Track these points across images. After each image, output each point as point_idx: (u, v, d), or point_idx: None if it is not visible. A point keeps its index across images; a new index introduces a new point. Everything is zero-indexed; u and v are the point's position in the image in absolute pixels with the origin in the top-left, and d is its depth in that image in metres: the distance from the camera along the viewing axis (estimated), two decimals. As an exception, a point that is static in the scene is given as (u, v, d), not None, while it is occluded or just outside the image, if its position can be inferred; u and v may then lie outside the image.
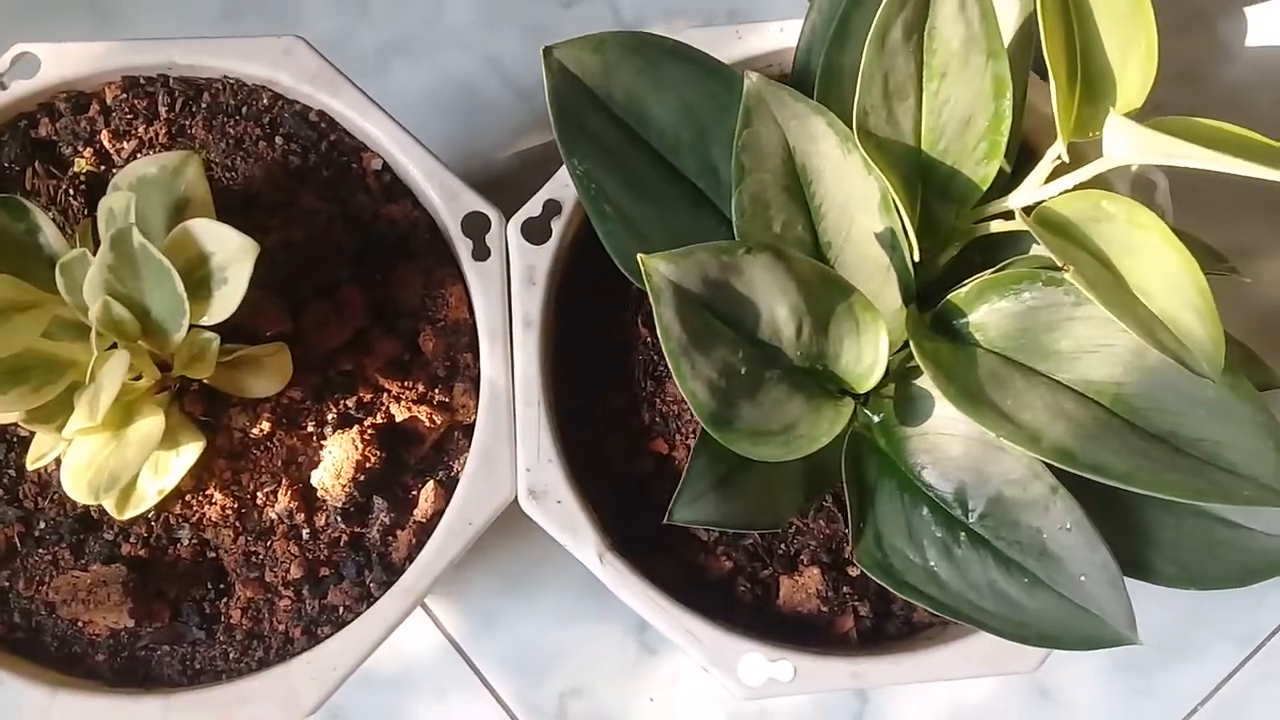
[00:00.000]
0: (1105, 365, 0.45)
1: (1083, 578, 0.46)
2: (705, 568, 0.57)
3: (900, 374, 0.50)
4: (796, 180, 0.47)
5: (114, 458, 0.46)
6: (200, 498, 0.54)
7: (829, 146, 0.46)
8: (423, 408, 0.56)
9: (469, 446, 0.54)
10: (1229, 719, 0.76)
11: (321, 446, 0.55)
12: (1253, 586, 0.76)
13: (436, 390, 0.56)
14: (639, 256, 0.40)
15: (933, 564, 0.48)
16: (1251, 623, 0.77)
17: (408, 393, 0.56)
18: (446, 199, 0.56)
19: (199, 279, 0.48)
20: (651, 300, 0.41)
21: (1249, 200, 0.81)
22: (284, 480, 0.54)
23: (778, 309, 0.44)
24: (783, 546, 0.58)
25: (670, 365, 0.41)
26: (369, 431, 0.54)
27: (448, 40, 0.82)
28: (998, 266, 0.48)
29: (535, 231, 0.56)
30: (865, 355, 0.47)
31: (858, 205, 0.47)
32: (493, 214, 0.56)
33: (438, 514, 0.55)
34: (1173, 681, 0.77)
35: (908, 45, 0.43)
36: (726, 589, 0.57)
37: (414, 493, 0.56)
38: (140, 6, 0.82)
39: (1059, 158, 0.45)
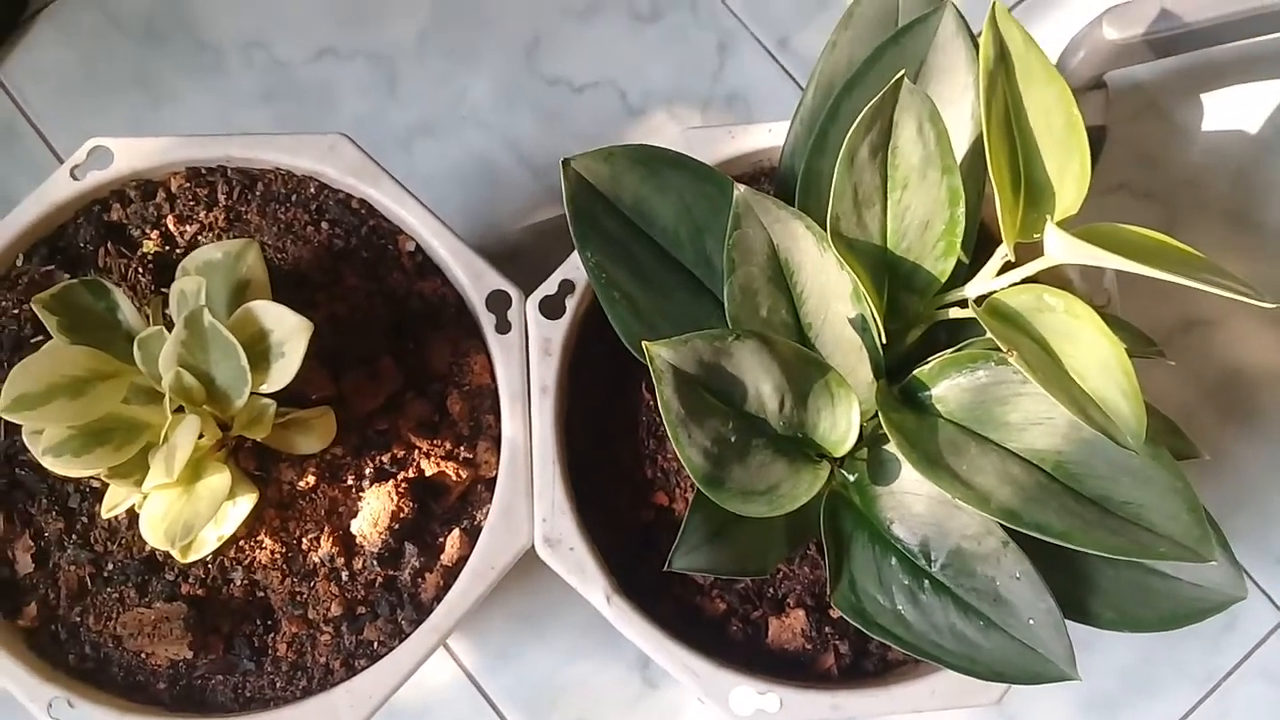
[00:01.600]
0: (1048, 436, 0.52)
1: (1030, 621, 0.53)
2: (701, 609, 0.64)
3: (873, 439, 0.57)
4: (780, 272, 0.54)
5: (187, 509, 0.53)
6: (252, 543, 0.61)
7: (808, 245, 0.53)
8: (449, 463, 0.62)
9: (490, 499, 0.61)
10: (1187, 754, 0.83)
11: (360, 498, 0.61)
12: (1209, 633, 0.83)
13: (462, 448, 0.63)
14: (644, 344, 0.47)
15: (900, 608, 0.54)
16: (1208, 665, 0.84)
17: (436, 450, 0.63)
18: (473, 278, 0.63)
19: (259, 352, 0.55)
20: (654, 381, 0.48)
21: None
22: (326, 528, 0.61)
23: (763, 386, 0.51)
24: (771, 590, 0.64)
25: (670, 434, 0.48)
26: (402, 485, 0.61)
27: (469, 121, 0.90)
28: (957, 347, 0.55)
29: (551, 307, 0.63)
30: (839, 424, 0.54)
31: (833, 294, 0.54)
32: (513, 292, 0.63)
33: (462, 559, 0.61)
34: (1137, 718, 0.83)
35: (874, 162, 0.51)
36: (720, 628, 0.64)
37: (441, 539, 0.62)
38: (187, 90, 0.90)
39: (1005, 257, 0.52)
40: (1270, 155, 0.91)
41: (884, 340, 0.54)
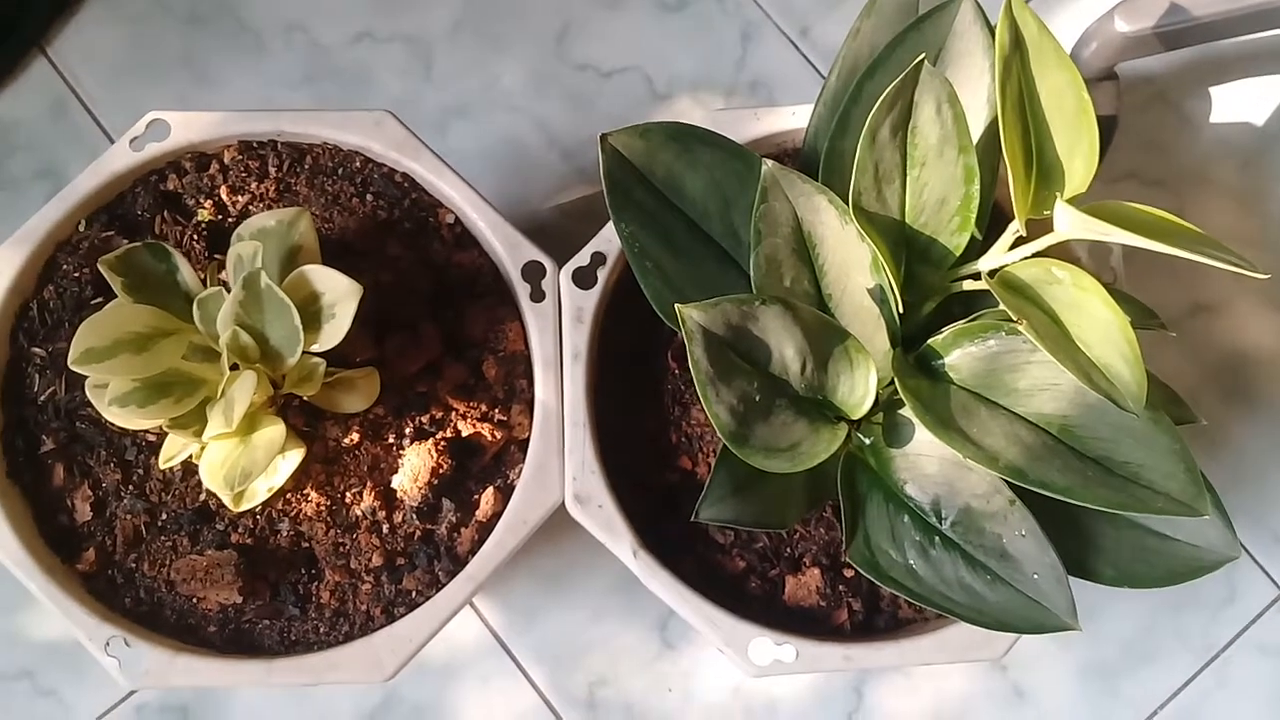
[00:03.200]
0: (1054, 401, 0.55)
1: (1035, 575, 0.56)
2: (722, 566, 0.67)
3: (888, 404, 0.61)
4: (804, 244, 0.58)
5: (244, 457, 0.56)
6: (298, 496, 0.64)
7: (830, 218, 0.56)
8: (485, 425, 0.66)
9: (523, 459, 0.65)
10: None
11: (400, 455, 0.65)
12: (1208, 605, 0.86)
13: (497, 410, 0.67)
14: (676, 306, 0.51)
15: (912, 562, 0.58)
16: (1208, 635, 0.87)
17: (473, 411, 0.66)
18: (509, 249, 0.66)
19: (311, 314, 0.59)
20: (685, 341, 0.51)
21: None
22: (369, 483, 0.64)
23: (786, 349, 0.54)
24: (788, 550, 0.68)
25: (699, 393, 0.52)
26: (441, 443, 0.64)
27: (501, 104, 0.93)
28: (970, 317, 0.58)
29: (583, 278, 0.66)
30: (858, 388, 0.57)
31: (853, 266, 0.58)
32: (548, 263, 0.66)
33: (496, 515, 0.65)
34: (1136, 686, 0.86)
35: (894, 140, 0.54)
36: (740, 585, 0.67)
37: (476, 496, 0.66)
38: (232, 71, 0.93)
39: (1017, 232, 0.55)
40: (1276, 146, 0.94)
41: (901, 310, 0.57)
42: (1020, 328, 0.52)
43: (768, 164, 0.55)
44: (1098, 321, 0.53)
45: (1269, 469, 0.89)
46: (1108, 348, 0.53)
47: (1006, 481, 0.55)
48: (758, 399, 0.54)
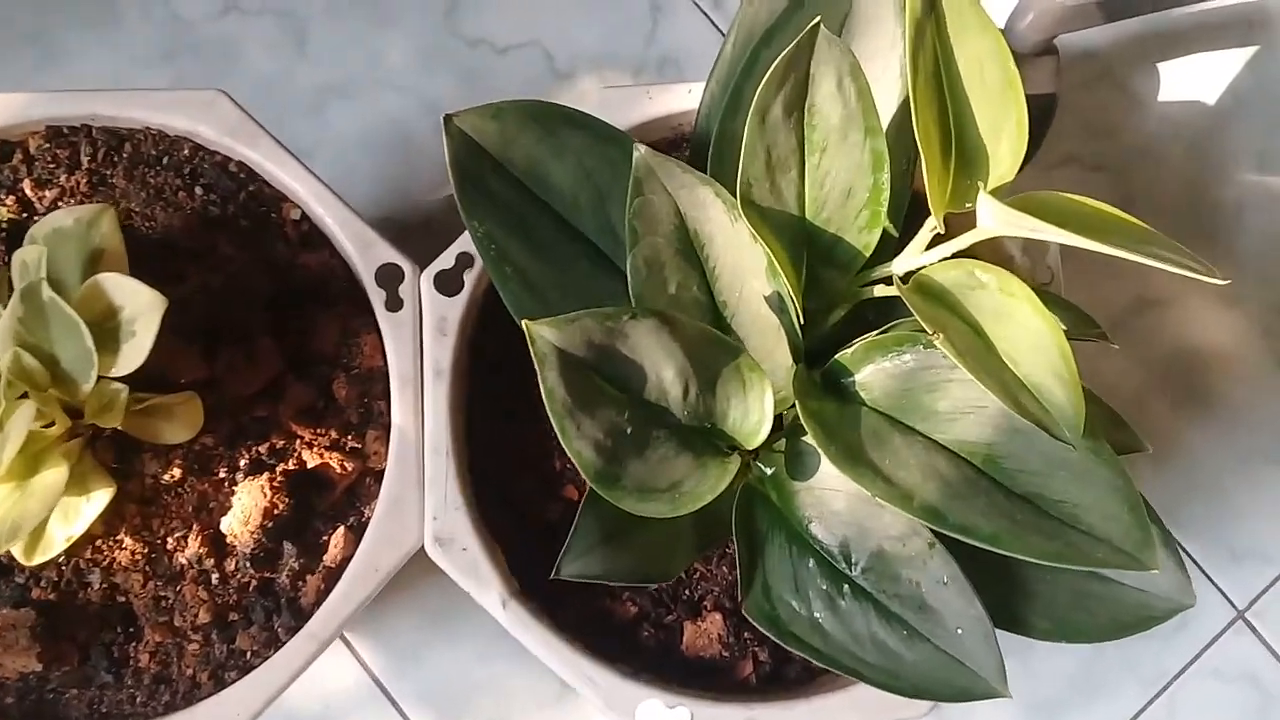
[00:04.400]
0: (978, 426, 0.47)
1: (958, 630, 0.48)
2: (611, 613, 0.59)
3: (792, 429, 0.52)
4: (690, 244, 0.49)
5: (17, 508, 0.47)
6: (111, 543, 0.55)
7: (717, 214, 0.48)
8: (334, 454, 0.57)
9: (380, 493, 0.56)
10: (1134, 757, 0.79)
11: (233, 492, 0.56)
12: (1159, 631, 0.79)
13: (349, 437, 0.58)
14: (525, 324, 0.42)
15: (818, 615, 0.49)
16: (1158, 665, 0.80)
17: (320, 439, 0.57)
18: (361, 249, 0.57)
19: (108, 331, 0.49)
20: (536, 365, 0.42)
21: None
22: (195, 526, 0.55)
23: (664, 371, 0.46)
24: (686, 592, 0.59)
25: (555, 426, 0.43)
26: (278, 479, 0.55)
27: (384, 83, 0.84)
28: (883, 328, 0.50)
29: (448, 283, 0.57)
30: (752, 413, 0.48)
31: (748, 269, 0.49)
32: (406, 265, 0.57)
33: (347, 559, 0.56)
34: (1084, 719, 0.79)
35: (789, 121, 0.45)
36: (632, 634, 0.59)
37: (324, 538, 0.57)
38: (81, 47, 0.83)
39: (935, 228, 0.47)
40: (1229, 126, 0.86)
41: (802, 320, 0.49)
42: (936, 342, 0.44)
43: (640, 149, 0.46)
44: (1027, 333, 0.46)
45: (1224, 477, 0.82)
46: (1039, 364, 0.45)
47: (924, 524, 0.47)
48: (630, 431, 0.45)
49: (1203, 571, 0.80)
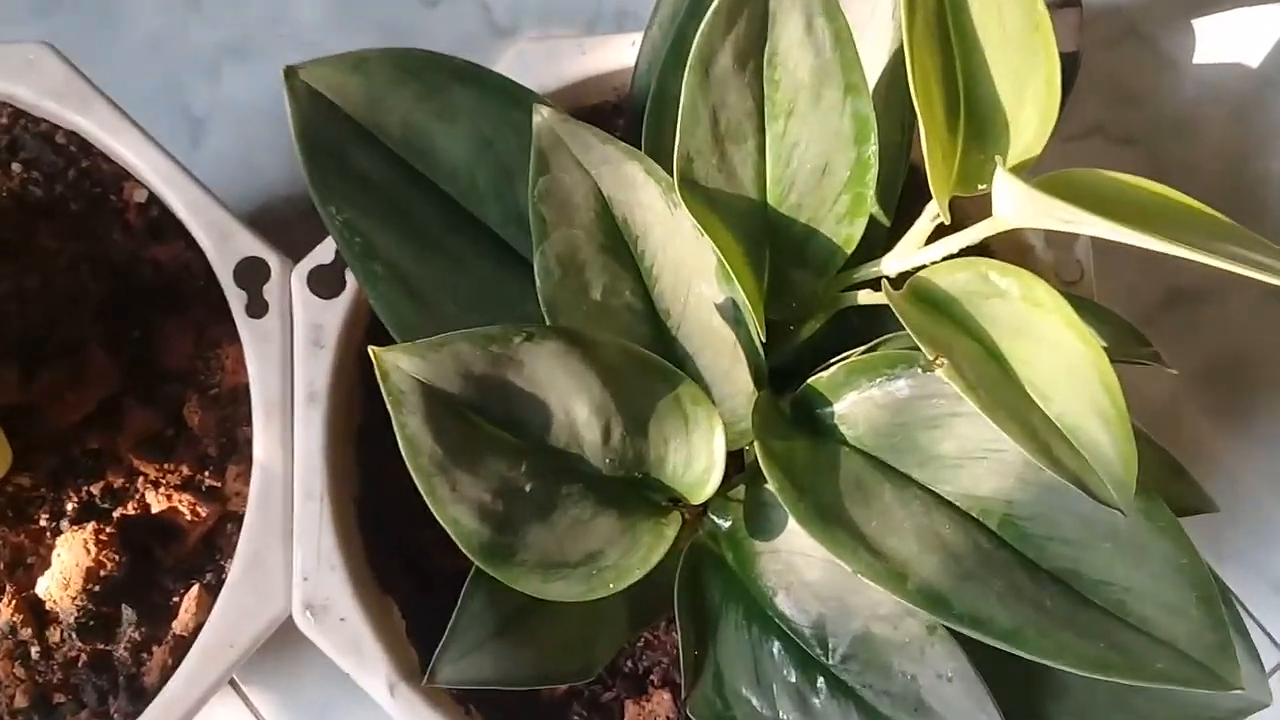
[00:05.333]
0: (994, 476, 0.36)
1: (965, 740, 0.37)
2: (535, 691, 0.48)
3: (755, 471, 0.41)
4: (619, 237, 0.38)
5: None
6: (-102, 610, 0.44)
7: (651, 198, 0.36)
8: (186, 495, 0.46)
9: (237, 548, 0.44)
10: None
11: (55, 544, 0.45)
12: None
13: (206, 474, 0.46)
14: (373, 353, 0.31)
15: (785, 717, 0.38)
16: (1190, 714, 0.69)
17: (168, 476, 0.46)
18: (217, 241, 0.46)
19: None
20: (390, 408, 0.31)
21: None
22: (7, 587, 0.44)
23: (575, 407, 0.34)
24: (629, 664, 0.48)
25: (420, 487, 0.32)
26: (110, 529, 0.44)
27: (291, 41, 0.72)
28: (870, 344, 0.39)
29: (327, 282, 0.46)
30: (697, 459, 0.37)
31: (693, 269, 0.38)
32: (273, 260, 0.46)
33: (202, 626, 0.45)
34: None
35: (742, 75, 0.34)
36: (561, 716, 0.47)
37: (175, 600, 0.46)
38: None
39: (937, 217, 0.35)
40: (1275, 92, 0.75)
41: (763, 336, 0.37)
42: (939, 371, 0.33)
43: (542, 112, 0.35)
44: (1060, 357, 0.35)
45: (1266, 499, 0.71)
46: (1075, 399, 0.34)
47: (922, 604, 0.36)
48: (529, 489, 0.34)
49: (1244, 608, 0.69)
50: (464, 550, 0.33)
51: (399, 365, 0.31)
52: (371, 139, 0.38)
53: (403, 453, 0.31)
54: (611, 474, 0.36)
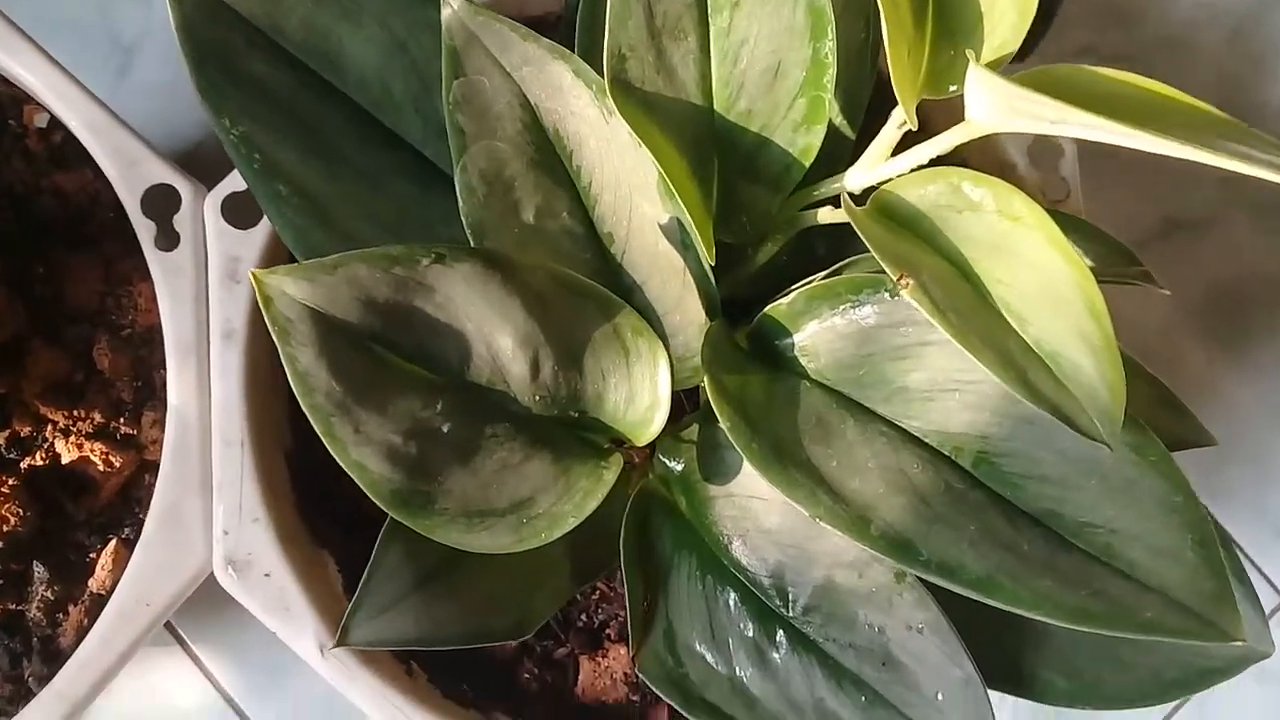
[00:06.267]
0: (967, 410, 0.33)
1: (938, 696, 0.34)
2: (483, 650, 0.45)
3: (709, 410, 0.37)
4: (551, 150, 0.34)
5: None
6: None
7: (583, 104, 0.33)
8: (98, 444, 0.42)
9: (152, 501, 0.41)
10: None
11: (-45, 500, 0.41)
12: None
13: (120, 421, 0.43)
14: (253, 276, 0.27)
15: (741, 673, 0.35)
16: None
17: (80, 424, 0.42)
18: (123, 167, 0.42)
19: None
20: (276, 340, 0.27)
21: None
22: (-95, 545, 0.41)
23: (498, 339, 0.31)
24: (583, 618, 0.45)
25: (318, 429, 0.28)
26: (11, 482, 0.41)
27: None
28: (831, 269, 0.35)
29: (243, 211, 0.42)
30: (640, 395, 0.34)
31: (634, 185, 0.34)
32: (185, 188, 0.42)
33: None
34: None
35: (677, -45, 0.30)
36: (510, 677, 0.44)
37: (91, 556, 0.43)
38: None
39: (903, 124, 0.31)
40: (1275, 12, 0.70)
41: (712, 260, 0.34)
42: (904, 292, 0.29)
43: (451, 3, 0.31)
44: (1040, 276, 0.31)
45: (1267, 435, 0.68)
46: (1056, 323, 0.31)
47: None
48: (446, 429, 0.30)
49: (1242, 552, 0.66)
50: (373, 498, 0.30)
51: (285, 290, 0.27)
52: (269, 43, 0.34)
53: (295, 390, 0.28)
54: (543, 413, 0.33)
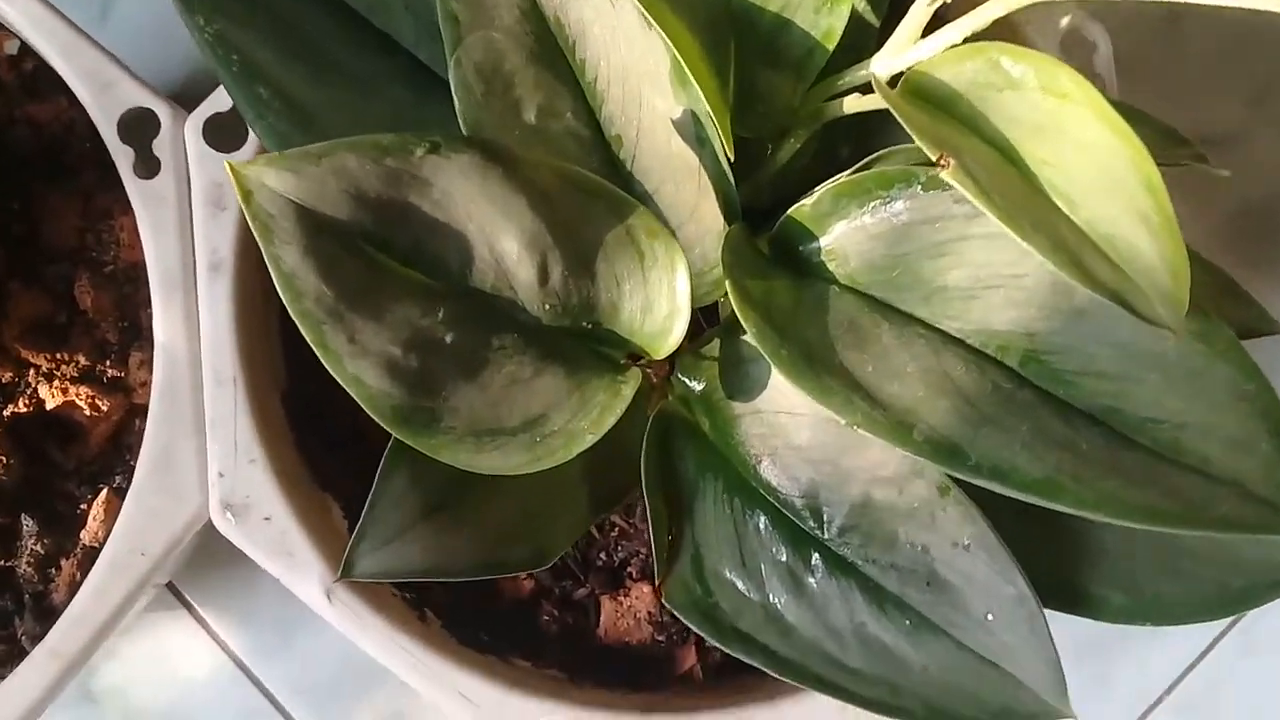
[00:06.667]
0: (1012, 306, 0.30)
1: (989, 617, 0.31)
2: (497, 590, 0.42)
3: (730, 323, 0.35)
4: (552, 42, 0.31)
5: None
6: None
7: (586, -16, 0.30)
8: (84, 388, 0.40)
9: (143, 444, 0.39)
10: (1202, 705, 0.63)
11: (-65, 451, 0.39)
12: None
13: (107, 363, 0.41)
14: (229, 166, 0.24)
15: (775, 601, 0.33)
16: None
17: (64, 368, 0.40)
18: (96, 91, 0.39)
19: None
20: (258, 238, 0.25)
21: (1224, 74, 0.66)
22: (-116, 501, 0.39)
23: (502, 241, 0.28)
24: (602, 556, 0.43)
25: (309, 338, 0.26)
26: (9, 424, 0.38)
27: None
28: (860, 164, 0.33)
29: (226, 133, 0.39)
30: (657, 303, 0.31)
31: (643, 75, 0.31)
32: (163, 111, 0.39)
33: (114, 535, 0.39)
34: (1145, 653, 0.63)
35: None
36: (528, 619, 0.42)
37: (81, 506, 0.40)
38: None
39: (935, 1, 0.29)
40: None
41: (731, 156, 0.31)
42: (945, 173, 0.26)
43: None
44: (1089, 155, 0.29)
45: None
46: (1110, 203, 0.28)
47: (932, 461, 0.30)
48: (449, 340, 0.28)
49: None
50: (373, 416, 0.27)
51: (266, 183, 0.25)
52: (244, -69, 0.32)
53: (281, 294, 0.25)
54: (554, 323, 0.30)
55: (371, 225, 0.26)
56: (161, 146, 0.39)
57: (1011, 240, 0.30)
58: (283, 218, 0.25)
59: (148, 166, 0.39)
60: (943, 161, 0.27)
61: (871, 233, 0.32)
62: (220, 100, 0.39)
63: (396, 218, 0.27)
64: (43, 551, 0.40)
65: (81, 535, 0.40)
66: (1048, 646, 0.31)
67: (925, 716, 0.31)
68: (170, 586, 0.59)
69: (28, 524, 0.40)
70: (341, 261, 0.26)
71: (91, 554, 0.40)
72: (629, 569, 0.43)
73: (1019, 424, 0.28)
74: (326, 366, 0.26)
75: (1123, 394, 0.28)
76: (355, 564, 0.30)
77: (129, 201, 0.40)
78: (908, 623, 0.32)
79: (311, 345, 0.26)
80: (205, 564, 0.60)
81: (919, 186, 0.31)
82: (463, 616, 0.41)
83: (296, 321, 0.25)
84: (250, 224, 0.25)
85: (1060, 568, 0.34)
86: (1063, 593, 0.33)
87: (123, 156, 0.39)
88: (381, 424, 0.27)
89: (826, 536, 0.33)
